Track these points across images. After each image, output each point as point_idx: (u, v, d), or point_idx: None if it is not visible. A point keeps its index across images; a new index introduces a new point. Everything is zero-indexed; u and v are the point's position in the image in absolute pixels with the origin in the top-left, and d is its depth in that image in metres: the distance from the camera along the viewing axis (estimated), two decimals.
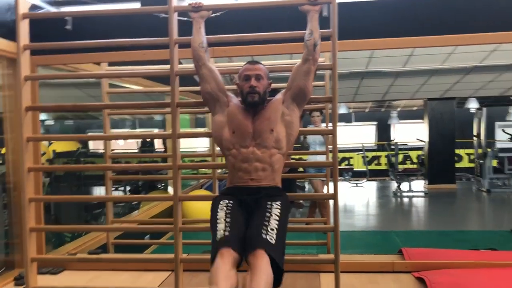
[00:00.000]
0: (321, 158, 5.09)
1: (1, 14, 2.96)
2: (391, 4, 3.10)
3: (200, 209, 5.03)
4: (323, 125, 5.34)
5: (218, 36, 2.62)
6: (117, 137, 4.86)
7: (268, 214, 2.14)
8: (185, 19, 2.77)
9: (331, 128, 2.54)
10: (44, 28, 3.25)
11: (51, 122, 13.17)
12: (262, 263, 1.93)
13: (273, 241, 2.02)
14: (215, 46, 3.07)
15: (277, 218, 2.13)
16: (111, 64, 3.62)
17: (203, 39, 2.51)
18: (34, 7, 2.87)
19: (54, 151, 5.40)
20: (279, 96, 2.46)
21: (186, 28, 2.74)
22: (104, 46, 2.73)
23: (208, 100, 2.49)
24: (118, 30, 3.16)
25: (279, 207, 2.19)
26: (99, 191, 6.21)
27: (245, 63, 2.47)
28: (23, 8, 2.65)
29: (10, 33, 3.06)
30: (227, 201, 2.25)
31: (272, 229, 2.06)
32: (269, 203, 2.20)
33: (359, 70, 7.61)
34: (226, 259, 1.96)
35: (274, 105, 2.41)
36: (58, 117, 11.95)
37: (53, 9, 2.96)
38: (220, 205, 2.23)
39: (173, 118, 2.62)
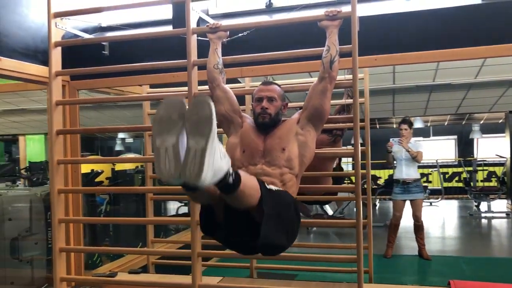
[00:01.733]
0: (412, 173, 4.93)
1: (44, 43, 3.12)
2: (441, 14, 2.86)
3: None
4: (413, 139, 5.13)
5: (234, 57, 2.56)
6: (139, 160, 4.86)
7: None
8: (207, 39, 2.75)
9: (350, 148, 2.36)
10: (84, 54, 3.41)
11: (130, 140, 13.92)
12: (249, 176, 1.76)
13: (267, 186, 1.86)
14: (243, 66, 3.02)
15: (280, 189, 1.99)
16: (152, 86, 3.71)
17: (218, 60, 2.48)
18: (71, 35, 3.00)
19: (112, 169, 5.65)
20: (295, 115, 2.34)
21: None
22: (125, 70, 2.80)
23: (222, 122, 2.43)
24: (151, 53, 3.21)
25: (284, 190, 2.05)
26: (163, 207, 6.40)
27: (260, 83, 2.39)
28: (55, 37, 2.78)
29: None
30: None
31: (271, 186, 1.93)
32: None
33: (426, 83, 7.17)
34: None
35: (289, 124, 2.29)
36: (137, 136, 12.58)
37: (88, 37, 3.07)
38: None
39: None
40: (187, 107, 1.51)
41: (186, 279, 2.77)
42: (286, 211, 1.94)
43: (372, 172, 12.66)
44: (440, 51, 2.74)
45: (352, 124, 3.36)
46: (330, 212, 8.06)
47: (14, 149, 12.03)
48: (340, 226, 2.71)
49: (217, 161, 1.45)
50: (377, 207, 10.18)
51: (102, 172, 5.25)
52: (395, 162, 5.30)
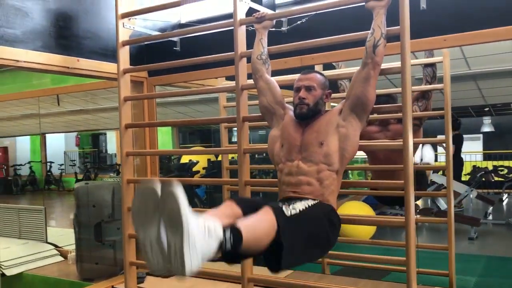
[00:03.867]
0: None
1: None
2: None
3: (357, 229, 4.84)
4: None
5: (278, 46, 2.47)
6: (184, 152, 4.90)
7: (298, 200, 1.90)
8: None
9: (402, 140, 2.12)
10: (159, 51, 3.59)
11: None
12: (261, 214, 1.65)
13: (287, 213, 1.73)
14: (303, 54, 2.92)
15: (307, 206, 1.85)
16: (228, 78, 3.76)
17: (262, 50, 2.42)
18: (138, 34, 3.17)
19: (208, 160, 5.88)
20: (338, 105, 2.20)
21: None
22: (187, 64, 2.88)
23: (265, 114, 2.38)
24: (218, 46, 3.23)
25: (315, 202, 1.92)
26: None
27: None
28: (122, 37, 2.96)
29: (132, 59, 3.46)
30: None
31: (294, 209, 1.78)
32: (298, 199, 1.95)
33: None
34: (223, 208, 1.76)
35: (329, 116, 2.16)
36: (253, 127, 13.01)
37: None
38: None
39: (238, 133, 2.58)
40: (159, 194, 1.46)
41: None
42: (313, 231, 1.85)
43: (501, 162, 11.44)
44: None
45: (431, 113, 3.13)
46: (443, 206, 7.44)
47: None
48: (386, 224, 2.46)
49: (201, 246, 1.41)
50: (504, 202, 9.14)
51: (197, 162, 5.50)
52: None
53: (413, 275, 2.10)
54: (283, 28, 3.03)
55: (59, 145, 15.60)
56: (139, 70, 3.09)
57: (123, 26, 2.97)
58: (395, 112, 2.99)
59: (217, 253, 1.48)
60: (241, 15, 2.56)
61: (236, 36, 2.55)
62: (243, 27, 2.59)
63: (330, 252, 3.24)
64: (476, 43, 2.50)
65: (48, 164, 13.69)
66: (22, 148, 14.13)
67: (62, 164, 14.11)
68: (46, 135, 14.38)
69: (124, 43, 2.97)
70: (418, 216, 6.78)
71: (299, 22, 2.95)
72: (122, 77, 2.97)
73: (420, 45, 2.60)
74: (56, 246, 4.38)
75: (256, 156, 6.27)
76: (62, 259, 4.20)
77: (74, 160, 14.67)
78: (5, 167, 13.05)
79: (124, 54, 2.98)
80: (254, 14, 2.49)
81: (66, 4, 3.06)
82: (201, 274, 3.33)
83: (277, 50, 2.48)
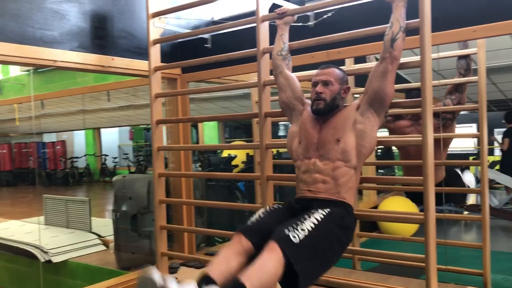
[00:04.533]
0: None
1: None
2: None
3: (398, 225, 4.76)
4: None
5: (299, 42, 2.47)
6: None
7: (306, 216, 1.84)
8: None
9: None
10: (192, 49, 3.67)
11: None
12: (265, 255, 1.66)
13: (295, 240, 1.70)
14: (330, 48, 2.90)
15: (316, 222, 1.81)
16: None
17: (283, 46, 2.44)
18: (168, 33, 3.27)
19: (247, 154, 5.95)
20: (356, 100, 2.18)
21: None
22: (215, 61, 2.94)
23: (284, 110, 2.40)
24: (249, 42, 3.27)
25: (324, 214, 1.87)
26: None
27: None
28: (153, 35, 3.06)
29: (166, 57, 3.58)
30: (275, 205, 2.11)
31: (302, 230, 1.75)
32: (316, 209, 1.91)
33: None
34: (232, 245, 1.81)
35: (346, 112, 2.14)
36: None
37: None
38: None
39: (260, 128, 2.61)
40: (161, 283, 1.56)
41: None
42: (326, 245, 1.84)
43: None
44: None
45: (463, 107, 3.02)
46: (495, 202, 7.12)
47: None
48: (406, 221, 2.39)
49: None
50: None
51: (235, 156, 5.58)
52: None
53: (433, 273, 2.05)
54: (309, 23, 3.02)
55: (114, 139, 16.27)
56: (169, 67, 3.18)
57: (154, 25, 3.07)
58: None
59: None
60: (263, 11, 2.58)
61: (258, 32, 2.58)
62: (266, 23, 2.61)
63: (363, 249, 3.23)
64: (509, 33, 2.38)
65: (103, 157, 14.34)
66: (79, 142, 14.86)
67: (116, 157, 14.72)
68: (101, 129, 15.05)
69: (155, 42, 3.07)
70: (466, 213, 6.58)
71: (325, 16, 2.93)
72: (153, 74, 3.08)
73: (447, 37, 2.52)
74: (99, 235, 4.61)
75: None
76: (105, 248, 4.42)
77: (128, 154, 15.25)
78: (63, 159, 13.79)
79: (155, 52, 3.08)
80: (276, 10, 2.50)
81: (101, 5, 3.19)
82: None
83: (299, 45, 2.48)
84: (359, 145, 2.07)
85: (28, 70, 5.24)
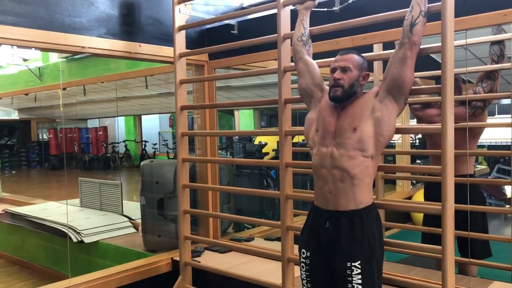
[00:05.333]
0: None
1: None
2: None
3: None
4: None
5: (320, 27, 2.43)
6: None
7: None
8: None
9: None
10: (219, 35, 3.68)
11: None
12: None
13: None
14: (354, 34, 2.83)
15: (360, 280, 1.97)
16: None
17: (303, 31, 2.40)
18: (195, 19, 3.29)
19: (278, 142, 5.93)
20: (375, 87, 2.13)
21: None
22: (235, 47, 2.93)
23: (303, 96, 2.37)
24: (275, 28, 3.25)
25: (360, 269, 1.98)
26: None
27: None
28: (179, 22, 3.09)
29: (194, 43, 3.61)
30: (304, 257, 2.15)
31: None
32: (348, 270, 1.99)
33: None
34: None
35: (365, 99, 2.09)
36: None
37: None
38: (301, 257, 2.16)
39: (280, 115, 2.60)
40: None
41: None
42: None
43: None
44: None
45: (495, 95, 2.89)
46: None
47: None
48: (423, 211, 2.31)
49: None
50: None
51: (266, 144, 5.58)
52: None
53: (450, 265, 2.00)
54: (335, 8, 2.96)
55: (154, 126, 16.64)
56: (193, 53, 3.20)
57: (179, 12, 3.09)
58: (458, 94, 2.81)
59: None
60: None
61: (279, 18, 2.55)
62: (287, 9, 2.58)
63: (387, 240, 3.17)
64: None
65: (143, 143, 14.70)
66: (120, 127, 15.29)
67: (156, 143, 15.07)
68: (142, 116, 15.41)
69: (180, 28, 3.09)
70: (508, 206, 6.33)
71: (350, 1, 2.87)
72: (178, 60, 3.11)
73: (477, 21, 2.41)
74: (130, 218, 4.74)
75: None
76: (134, 230, 4.55)
77: (167, 140, 15.56)
78: (105, 144, 14.25)
79: (180, 38, 3.11)
80: None
81: None
82: (255, 252, 3.44)
83: (320, 30, 2.43)
84: (377, 133, 2.02)
85: (66, 57, 5.41)
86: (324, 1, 3.02)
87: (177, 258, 3.31)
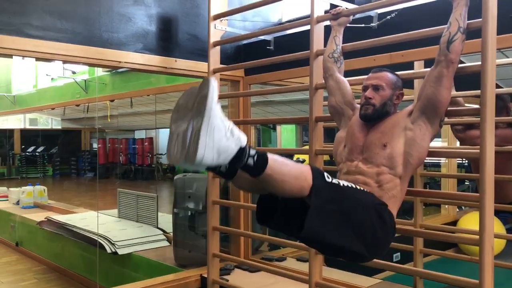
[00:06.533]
0: None
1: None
2: None
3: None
4: None
5: (353, 44, 2.35)
6: None
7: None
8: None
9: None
10: (255, 51, 3.66)
11: None
12: (298, 164, 1.63)
13: (328, 179, 1.62)
14: (393, 51, 2.73)
15: (354, 186, 1.75)
16: None
17: (335, 48, 2.33)
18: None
19: None
20: (409, 106, 2.02)
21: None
22: (265, 64, 2.88)
23: (333, 114, 2.29)
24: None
25: (364, 190, 1.81)
26: None
27: None
28: (213, 37, 3.09)
29: (230, 59, 3.61)
30: None
31: (338, 181, 1.69)
32: None
33: None
34: None
35: (397, 117, 1.99)
36: None
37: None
38: None
39: (310, 133, 2.52)
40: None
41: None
42: (354, 210, 1.70)
43: None
44: None
45: None
46: None
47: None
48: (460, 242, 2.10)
49: (219, 140, 1.41)
50: None
51: (304, 161, 5.49)
52: None
53: None
54: (372, 24, 2.87)
55: None
56: (226, 69, 3.19)
57: (215, 28, 3.10)
58: (506, 115, 2.64)
59: (235, 162, 1.45)
60: (318, 12, 2.49)
61: (312, 34, 2.49)
62: (320, 25, 2.51)
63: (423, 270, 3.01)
64: None
65: None
66: (164, 139, 15.59)
67: None
68: None
69: (215, 44, 3.09)
70: None
71: (388, 17, 2.77)
72: (212, 76, 3.10)
73: None
74: (164, 231, 4.76)
75: None
76: (168, 244, 4.55)
77: None
78: (150, 155, 14.57)
79: (214, 54, 3.10)
80: (331, 10, 2.41)
81: (167, 8, 3.29)
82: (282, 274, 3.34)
83: (353, 47, 2.35)
84: (407, 153, 1.91)
85: (110, 71, 5.57)
86: (362, 17, 2.95)
87: (206, 275, 3.26)
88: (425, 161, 2.20)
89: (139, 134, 16.07)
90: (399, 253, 4.62)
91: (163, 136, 15.54)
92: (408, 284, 3.25)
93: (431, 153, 1.99)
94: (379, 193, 1.89)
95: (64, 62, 3.02)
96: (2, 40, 2.53)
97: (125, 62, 3.06)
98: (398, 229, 2.01)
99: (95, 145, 16.75)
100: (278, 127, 12.26)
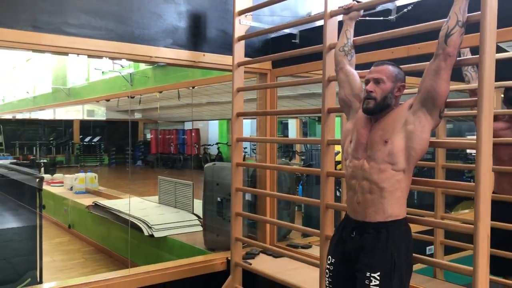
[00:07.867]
0: None
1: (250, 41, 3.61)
2: None
3: None
4: None
5: (364, 37, 2.41)
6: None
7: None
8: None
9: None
10: (280, 44, 3.77)
11: None
12: None
13: None
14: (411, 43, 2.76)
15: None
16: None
17: (346, 42, 2.41)
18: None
19: None
20: (410, 99, 2.08)
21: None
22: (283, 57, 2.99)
23: (342, 107, 2.38)
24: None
25: (378, 280, 1.95)
26: None
27: None
28: (238, 32, 3.24)
29: (258, 52, 3.75)
30: (329, 263, 2.17)
31: None
32: (367, 280, 1.97)
33: None
34: None
35: (398, 111, 2.06)
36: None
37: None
38: (327, 263, 2.19)
39: (323, 124, 2.62)
40: None
41: None
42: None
43: None
44: None
45: None
46: None
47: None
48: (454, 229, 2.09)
49: None
50: None
51: (338, 152, 5.53)
52: None
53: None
54: (390, 17, 2.91)
55: (245, 130, 17.11)
56: (250, 62, 3.32)
57: (239, 23, 3.24)
58: None
59: None
60: (331, 6, 2.57)
61: (325, 28, 2.58)
62: (334, 19, 2.60)
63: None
64: None
65: None
66: (213, 131, 15.98)
67: (246, 147, 15.52)
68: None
69: (240, 38, 3.23)
70: None
71: (405, 10, 2.80)
72: (236, 69, 3.25)
73: None
74: (199, 217, 4.99)
75: None
76: (201, 229, 4.77)
77: (255, 145, 15.93)
78: (197, 146, 15.01)
79: (239, 48, 3.25)
80: (343, 5, 2.48)
81: (196, 4, 3.46)
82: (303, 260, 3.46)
83: (364, 40, 2.42)
84: (408, 147, 1.98)
85: (152, 65, 5.85)
86: (380, 11, 2.99)
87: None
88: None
89: (188, 126, 16.57)
90: (432, 246, 4.60)
91: (212, 128, 15.94)
92: (428, 274, 3.28)
93: (431, 144, 2.04)
94: (382, 201, 2.00)
95: (98, 57, 3.26)
96: (42, 38, 2.79)
97: (156, 57, 3.27)
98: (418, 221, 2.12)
99: (148, 136, 17.46)
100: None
